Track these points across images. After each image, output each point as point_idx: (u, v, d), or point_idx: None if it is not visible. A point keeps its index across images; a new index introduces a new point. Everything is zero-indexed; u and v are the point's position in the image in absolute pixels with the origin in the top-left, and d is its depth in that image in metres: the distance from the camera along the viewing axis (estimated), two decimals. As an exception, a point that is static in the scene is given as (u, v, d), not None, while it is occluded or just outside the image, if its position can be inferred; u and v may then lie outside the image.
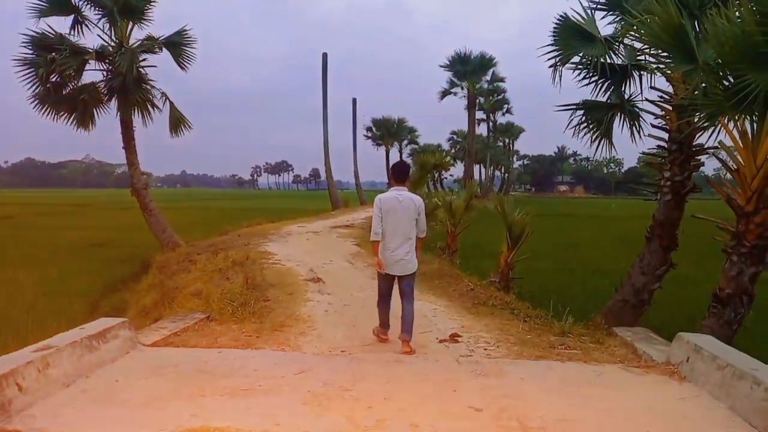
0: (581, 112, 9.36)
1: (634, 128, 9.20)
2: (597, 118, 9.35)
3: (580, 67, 9.21)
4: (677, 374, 4.12)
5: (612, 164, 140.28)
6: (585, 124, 9.36)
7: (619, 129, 9.24)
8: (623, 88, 9.17)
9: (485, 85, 47.24)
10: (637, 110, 9.10)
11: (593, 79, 9.19)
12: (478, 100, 47.11)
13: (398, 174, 5.28)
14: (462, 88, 42.76)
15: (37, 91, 14.78)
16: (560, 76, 9.45)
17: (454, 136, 70.05)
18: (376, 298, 5.59)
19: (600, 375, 4.16)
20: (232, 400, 3.51)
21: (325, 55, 32.69)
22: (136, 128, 16.16)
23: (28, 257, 15.82)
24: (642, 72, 8.97)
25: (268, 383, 3.85)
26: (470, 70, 40.70)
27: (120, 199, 53.35)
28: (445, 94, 42.84)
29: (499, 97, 54.82)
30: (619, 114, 9.23)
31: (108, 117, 15.87)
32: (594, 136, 9.40)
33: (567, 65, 9.18)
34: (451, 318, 6.47)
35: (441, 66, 41.17)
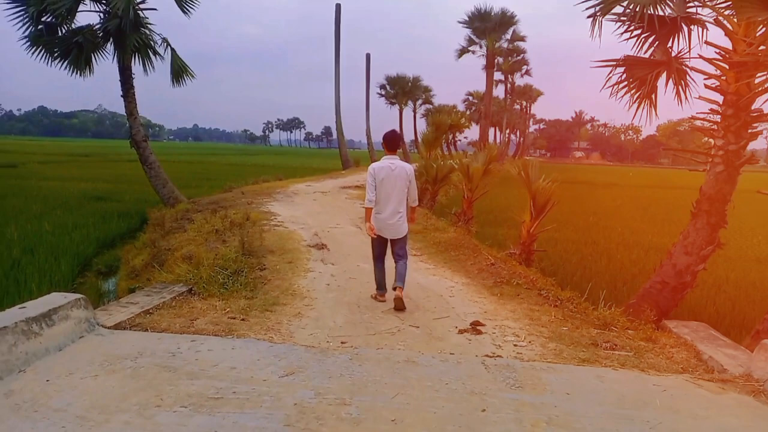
0: (621, 69, 8.35)
1: (680, 89, 8.12)
2: (639, 76, 8.29)
3: (623, 18, 8.17)
4: (764, 394, 3.26)
5: (630, 131, 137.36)
6: (625, 83, 8.34)
7: (663, 90, 8.23)
8: (670, 44, 8.09)
9: (504, 45, 45.23)
10: (687, 69, 8.00)
11: (635, 32, 8.17)
12: (496, 60, 45.24)
13: (390, 143, 5.54)
14: (480, 47, 40.93)
15: (28, 31, 13.76)
16: (600, 29, 8.42)
17: (470, 97, 68.20)
18: None
19: (665, 392, 3.28)
20: (194, 415, 2.69)
21: (338, 6, 31.11)
22: (135, 76, 15.17)
23: (22, 209, 15.09)
24: (693, 26, 7.86)
25: (245, 389, 3.02)
26: (490, 27, 38.80)
27: (128, 150, 52.70)
28: (462, 52, 41.03)
29: (519, 57, 52.63)
30: (665, 73, 8.14)
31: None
32: (635, 97, 8.36)
33: (608, 16, 8.21)
34: (471, 299, 5.61)
35: (459, 22, 39.29)
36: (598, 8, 7.99)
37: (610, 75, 8.33)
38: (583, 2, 8.05)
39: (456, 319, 4.89)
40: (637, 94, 8.23)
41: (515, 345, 4.21)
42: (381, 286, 5.65)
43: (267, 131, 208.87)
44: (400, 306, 5.21)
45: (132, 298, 4.90)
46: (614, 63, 8.27)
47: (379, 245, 5.61)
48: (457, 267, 7.28)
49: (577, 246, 12.78)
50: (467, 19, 38.69)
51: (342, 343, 4.08)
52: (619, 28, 8.38)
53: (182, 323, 4.23)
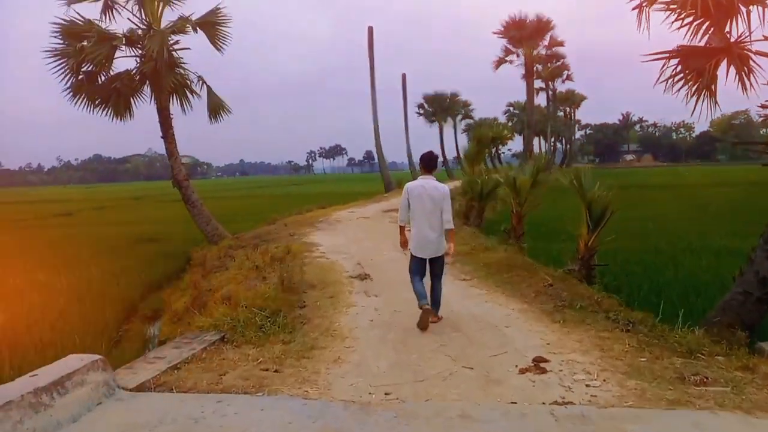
0: (676, 61, 7.68)
1: (743, 76, 7.36)
2: (696, 66, 7.57)
3: (672, 6, 7.54)
4: None
5: (682, 129, 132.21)
6: (681, 75, 7.65)
7: (724, 79, 7.50)
8: (728, 28, 7.38)
9: (543, 51, 44.37)
10: (750, 53, 7.26)
11: (687, 20, 7.53)
12: (535, 68, 44.31)
13: (426, 163, 5.57)
14: (518, 56, 40.24)
15: (70, 82, 14.12)
16: (648, 20, 7.81)
17: (511, 108, 67.10)
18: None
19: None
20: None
21: (370, 29, 31.19)
22: (174, 116, 15.28)
23: (73, 257, 15.36)
24: (753, 5, 7.15)
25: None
26: (526, 35, 38.10)
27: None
28: (500, 62, 40.41)
29: (558, 63, 51.45)
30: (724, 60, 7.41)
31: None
32: (693, 89, 7.65)
33: (655, 6, 7.61)
34: (531, 329, 5.02)
35: (495, 32, 38.77)
36: None
37: (664, 68, 7.69)
38: None
39: (515, 354, 4.31)
40: (695, 86, 7.55)
41: (587, 385, 3.61)
42: (422, 296, 5.43)
43: (310, 160, 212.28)
44: (424, 324, 5.23)
45: (160, 351, 4.58)
46: (667, 55, 7.61)
47: (416, 264, 5.55)
48: (511, 291, 6.68)
49: (640, 255, 11.87)
50: (502, 28, 38.16)
51: (386, 394, 3.58)
52: (668, 17, 7.79)
53: (210, 379, 3.83)
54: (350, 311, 6.01)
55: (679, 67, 7.63)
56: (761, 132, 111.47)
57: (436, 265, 5.56)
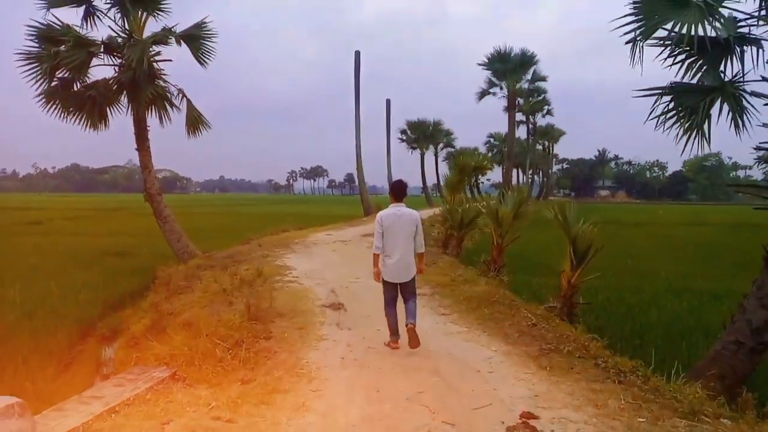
0: (669, 98, 7.53)
1: (737, 116, 7.22)
2: (689, 104, 7.43)
3: (667, 42, 7.43)
4: None
5: (656, 168, 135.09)
6: (674, 113, 7.50)
7: (716, 119, 7.37)
8: (722, 67, 7.27)
9: (525, 85, 44.79)
10: (742, 94, 7.13)
11: (679, 58, 7.43)
12: (517, 101, 44.76)
13: (397, 192, 5.76)
14: (501, 88, 40.55)
15: (43, 88, 13.54)
16: (641, 55, 7.68)
17: (491, 139, 67.70)
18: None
19: None
20: None
21: (357, 54, 31.20)
22: (150, 128, 14.77)
23: (35, 268, 14.59)
24: (747, 46, 7.05)
25: None
26: (510, 68, 38.43)
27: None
28: (483, 94, 40.69)
29: (540, 97, 52.05)
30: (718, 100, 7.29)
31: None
32: (686, 127, 7.48)
33: (649, 41, 7.49)
34: (516, 376, 4.61)
35: (479, 64, 39.02)
36: (638, 32, 7.30)
37: (656, 105, 7.53)
38: (622, 26, 7.36)
39: (500, 407, 3.89)
40: (687, 124, 7.39)
41: (584, 451, 3.21)
42: (394, 332, 5.63)
43: (291, 180, 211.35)
44: (415, 343, 5.31)
45: (99, 390, 4.05)
46: (660, 91, 7.46)
47: (389, 290, 5.66)
48: (493, 329, 6.29)
49: (621, 294, 11.61)
50: (487, 60, 38.47)
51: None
52: (660, 54, 7.67)
53: (150, 429, 3.33)
54: (320, 345, 5.54)
55: (672, 104, 7.49)
56: (731, 174, 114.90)
57: (408, 289, 5.66)
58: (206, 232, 24.14)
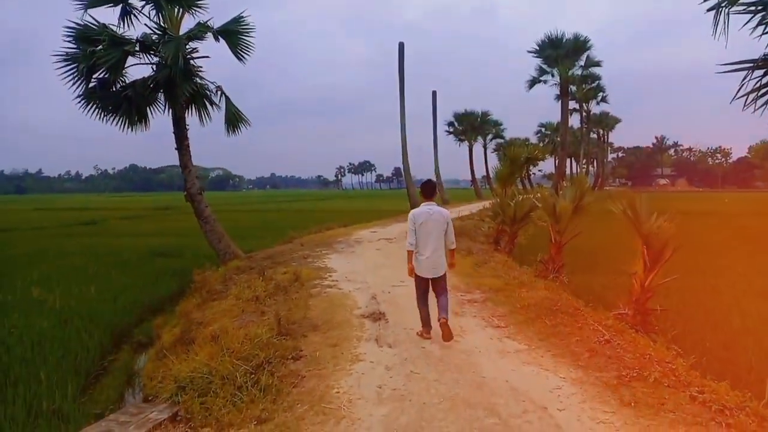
0: (762, 72, 6.45)
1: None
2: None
3: (754, 8, 6.36)
4: None
5: (718, 154, 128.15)
6: (766, 89, 6.43)
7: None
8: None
9: (578, 72, 42.73)
10: None
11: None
12: (570, 89, 42.78)
13: (427, 191, 5.98)
14: (552, 75, 38.84)
15: (82, 89, 13.34)
16: (727, 23, 6.61)
17: (542, 129, 65.58)
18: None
19: None
20: None
21: (401, 45, 30.27)
22: (189, 127, 14.39)
23: (78, 270, 14.52)
24: None
25: None
26: (562, 54, 36.69)
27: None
28: (534, 82, 39.09)
29: (594, 84, 49.75)
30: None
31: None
32: (784, 105, 6.38)
33: (736, 6, 6.47)
34: (593, 417, 3.69)
35: (530, 51, 37.49)
36: None
37: (746, 81, 6.44)
38: None
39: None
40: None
41: None
42: (426, 323, 5.88)
43: (339, 176, 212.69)
44: (447, 336, 5.49)
45: (84, 435, 3.44)
46: (751, 65, 6.36)
47: (421, 285, 5.87)
48: (558, 346, 5.36)
49: (696, 296, 10.35)
50: (537, 48, 36.84)
51: None
52: (749, 22, 6.57)
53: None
54: (355, 369, 4.77)
55: (766, 80, 6.39)
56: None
57: (440, 283, 5.83)
58: (251, 231, 23.95)
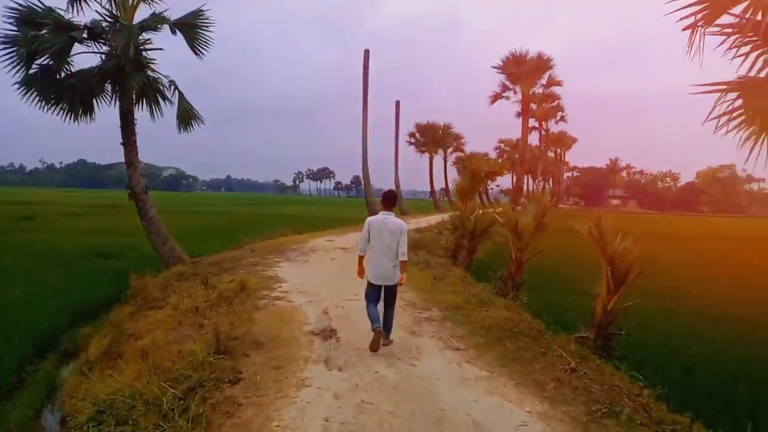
0: (735, 95, 6.33)
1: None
2: (761, 104, 6.25)
3: (729, 30, 6.29)
4: None
5: (668, 178, 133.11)
6: (740, 112, 6.31)
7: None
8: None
9: (539, 90, 43.48)
10: None
11: (744, 50, 6.32)
12: (530, 106, 43.42)
13: (387, 201, 6.08)
14: (515, 92, 39.35)
15: (21, 75, 12.35)
16: (702, 43, 6.45)
17: (502, 145, 66.40)
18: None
19: None
20: None
21: (366, 52, 29.96)
22: (138, 122, 13.54)
23: (9, 269, 13.41)
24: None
25: None
26: (526, 72, 37.20)
27: (155, 202, 51.81)
28: (496, 97, 39.50)
29: (554, 103, 50.81)
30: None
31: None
32: (758, 130, 6.31)
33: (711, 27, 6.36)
34: (565, 462, 3.31)
35: (494, 67, 37.89)
36: (699, 17, 6.13)
37: (718, 103, 6.29)
38: (679, 9, 6.18)
39: None
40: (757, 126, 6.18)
41: None
42: (375, 320, 5.70)
43: (297, 181, 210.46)
44: (374, 347, 5.57)
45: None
46: (725, 87, 6.21)
47: (372, 291, 5.86)
48: (522, 374, 4.97)
49: (652, 320, 10.27)
50: (501, 63, 37.25)
51: None
52: (722, 44, 6.47)
53: None
54: (299, 397, 4.24)
55: (739, 102, 6.26)
56: (744, 187, 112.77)
57: (390, 292, 5.88)
58: (200, 234, 22.95)
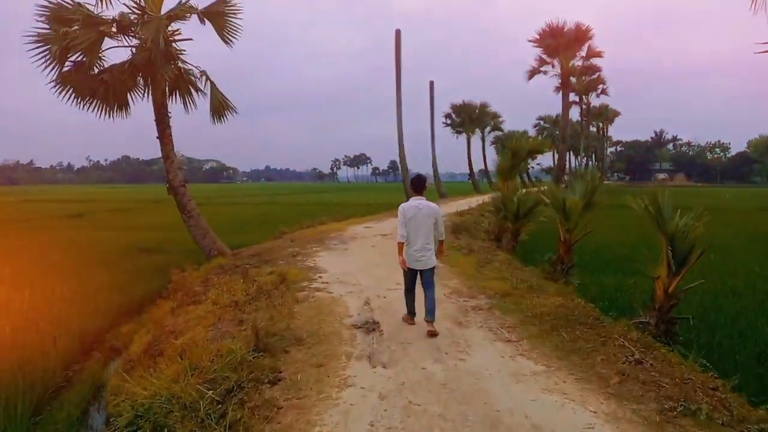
0: None
1: None
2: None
3: None
4: None
5: (717, 149, 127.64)
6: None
7: None
8: None
9: (579, 62, 41.80)
10: None
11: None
12: (570, 80, 41.86)
13: (416, 186, 6.15)
14: (553, 66, 37.98)
15: (56, 73, 12.41)
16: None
17: (541, 122, 64.70)
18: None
19: None
20: None
21: (398, 32, 29.35)
22: (171, 115, 13.48)
23: (54, 267, 13.61)
24: None
25: None
26: (563, 44, 35.81)
27: (197, 194, 52.64)
28: (533, 72, 38.16)
29: (594, 76, 48.79)
30: None
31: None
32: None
33: None
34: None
35: (530, 41, 36.59)
36: None
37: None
38: None
39: None
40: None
41: None
42: (411, 311, 6.15)
43: (335, 168, 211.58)
44: (433, 334, 5.66)
45: None
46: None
47: (410, 277, 6.03)
48: (582, 368, 4.56)
49: (715, 300, 9.62)
50: (538, 36, 35.95)
51: None
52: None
53: None
54: (342, 398, 3.97)
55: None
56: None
57: (428, 275, 5.96)
58: (241, 225, 23.10)
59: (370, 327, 5.89)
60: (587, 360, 4.74)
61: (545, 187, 13.31)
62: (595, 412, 3.66)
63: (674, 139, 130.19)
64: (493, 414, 3.64)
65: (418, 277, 5.98)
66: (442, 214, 6.16)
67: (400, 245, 5.92)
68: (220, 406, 3.89)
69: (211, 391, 4.11)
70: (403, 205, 6.01)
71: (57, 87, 12.50)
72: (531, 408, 3.73)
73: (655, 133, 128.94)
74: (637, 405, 3.78)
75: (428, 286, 5.94)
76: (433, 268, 5.98)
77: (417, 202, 5.93)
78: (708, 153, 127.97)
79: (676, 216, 6.98)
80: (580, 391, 4.05)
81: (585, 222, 10.11)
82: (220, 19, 13.46)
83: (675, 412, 3.62)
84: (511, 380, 4.27)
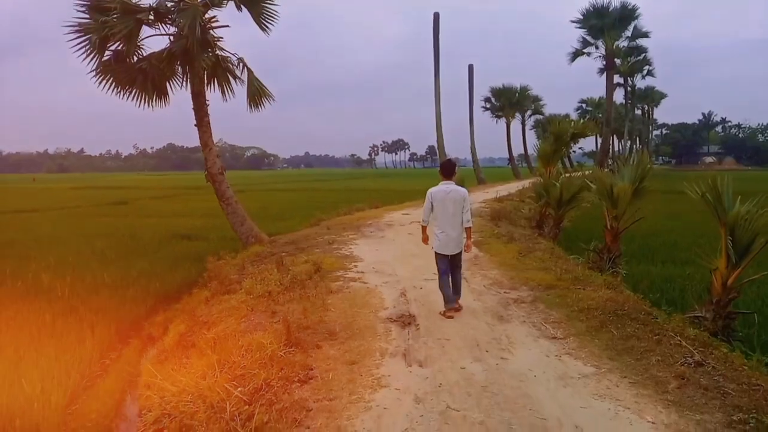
0: None
1: None
2: None
3: None
4: None
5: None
6: None
7: None
8: None
9: (624, 43, 40.15)
10: None
11: None
12: (615, 62, 40.27)
13: (446, 170, 6.11)
14: (597, 48, 36.61)
15: (96, 62, 12.52)
16: None
17: (583, 105, 62.77)
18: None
19: None
20: None
21: (436, 15, 28.79)
22: (210, 103, 13.43)
23: (96, 255, 13.87)
24: None
25: None
26: (608, 24, 34.42)
27: (238, 181, 53.22)
28: (576, 54, 36.93)
29: (639, 57, 46.81)
30: None
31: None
32: None
33: None
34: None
35: (573, 21, 35.34)
36: None
37: None
38: None
39: None
40: None
41: None
42: (449, 299, 6.00)
43: (373, 154, 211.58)
44: (457, 310, 5.98)
45: None
46: None
47: (442, 262, 6.06)
48: (635, 369, 4.19)
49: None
50: (581, 16, 34.65)
51: None
52: None
53: None
54: (375, 400, 3.73)
55: None
56: None
57: (456, 259, 6.11)
58: (279, 212, 23.20)
59: (406, 320, 5.64)
60: (641, 361, 4.36)
61: (589, 172, 12.70)
62: (653, 423, 3.31)
63: (723, 121, 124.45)
64: (540, 423, 3.33)
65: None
66: (473, 201, 6.38)
67: (423, 228, 6.23)
68: (247, 407, 3.70)
69: (239, 389, 3.94)
70: (431, 189, 6.06)
71: (97, 76, 12.63)
72: (581, 417, 3.41)
73: (703, 115, 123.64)
74: (700, 415, 3.41)
75: (456, 269, 6.12)
76: (461, 252, 6.10)
77: (446, 186, 5.95)
78: (760, 135, 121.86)
79: (737, 203, 6.47)
80: (635, 397, 3.69)
81: (634, 209, 9.58)
82: (256, 5, 13.35)
83: (747, 426, 3.23)
84: (558, 383, 3.94)
